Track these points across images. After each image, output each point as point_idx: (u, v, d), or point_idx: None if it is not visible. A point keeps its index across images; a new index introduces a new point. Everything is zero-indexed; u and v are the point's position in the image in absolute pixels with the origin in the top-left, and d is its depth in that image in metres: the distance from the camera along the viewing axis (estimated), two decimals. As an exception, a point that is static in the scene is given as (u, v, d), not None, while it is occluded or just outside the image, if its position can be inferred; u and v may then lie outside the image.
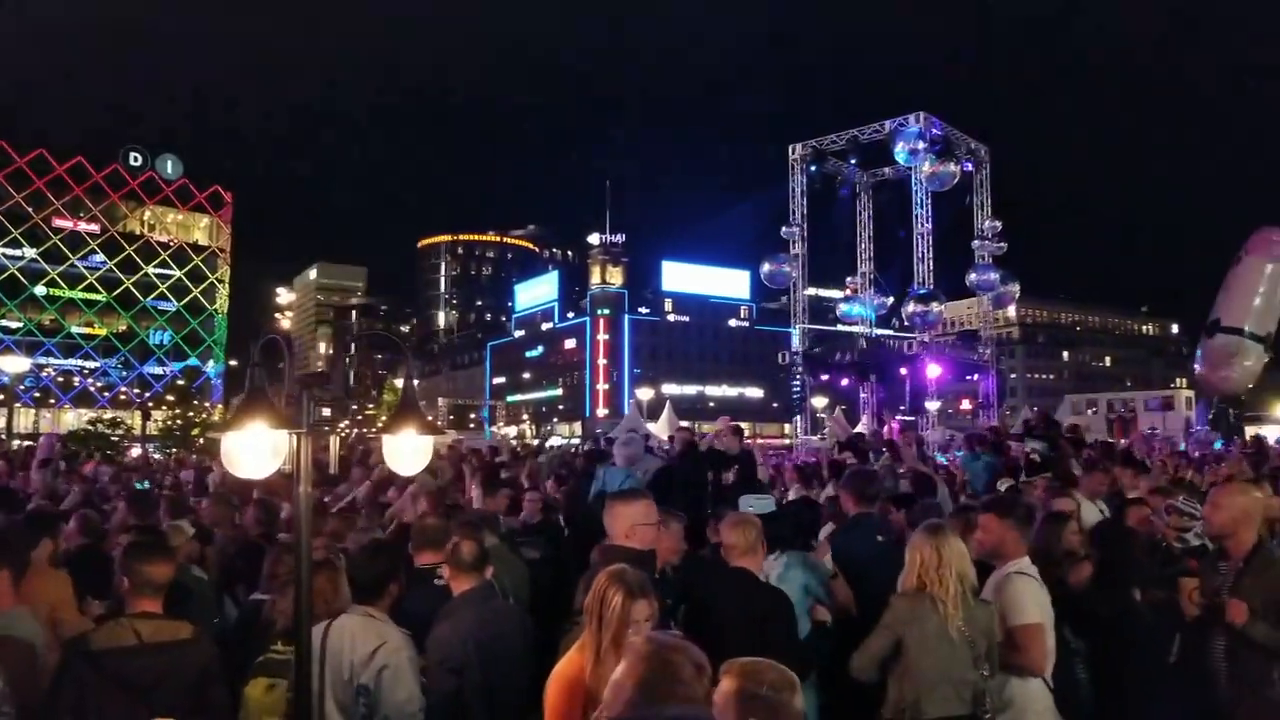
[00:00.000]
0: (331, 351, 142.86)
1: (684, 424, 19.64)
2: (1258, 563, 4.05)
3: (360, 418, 76.96)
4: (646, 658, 2.13)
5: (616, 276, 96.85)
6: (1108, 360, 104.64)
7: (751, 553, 4.19)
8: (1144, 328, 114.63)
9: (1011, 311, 77.26)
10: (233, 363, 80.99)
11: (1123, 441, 15.08)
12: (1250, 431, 20.95)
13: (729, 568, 4.24)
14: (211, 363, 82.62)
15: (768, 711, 2.14)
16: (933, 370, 30.18)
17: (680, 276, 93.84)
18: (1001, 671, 3.96)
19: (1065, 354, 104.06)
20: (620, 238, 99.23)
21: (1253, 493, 4.38)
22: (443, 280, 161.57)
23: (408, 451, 3.12)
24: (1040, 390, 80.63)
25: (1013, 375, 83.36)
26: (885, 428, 19.33)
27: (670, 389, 69.79)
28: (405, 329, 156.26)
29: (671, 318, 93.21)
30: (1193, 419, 19.90)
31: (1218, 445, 16.38)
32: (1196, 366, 13.80)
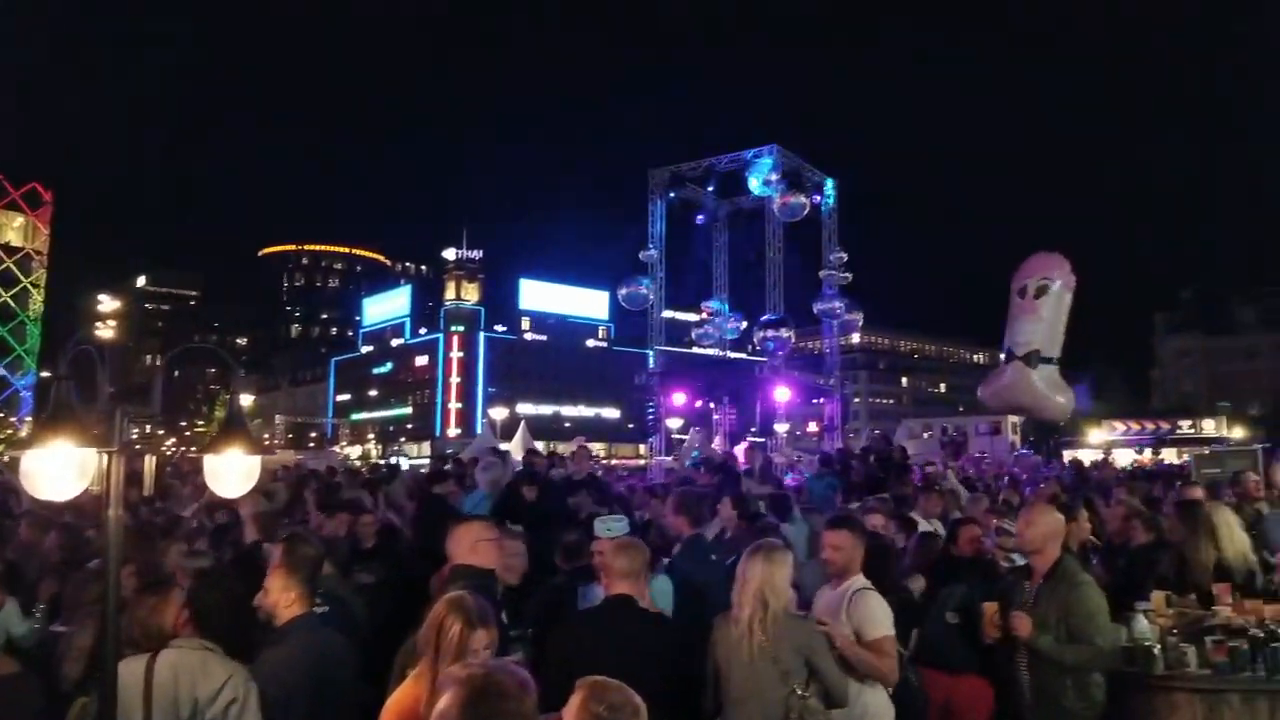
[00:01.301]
0: (159, 364, 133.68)
1: (537, 444, 19.32)
2: (1056, 578, 4.29)
3: (189, 434, 72.20)
4: (467, 681, 2.10)
5: (472, 293, 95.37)
6: (942, 386, 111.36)
7: (635, 578, 4.03)
8: (975, 356, 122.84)
9: (856, 338, 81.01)
10: (45, 374, 74.31)
11: (955, 464, 15.86)
12: (1068, 455, 22.60)
13: (611, 595, 4.05)
14: (21, 373, 75.56)
15: None
16: (782, 393, 31.03)
17: (538, 295, 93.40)
18: (858, 681, 4.09)
19: (904, 380, 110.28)
20: (477, 254, 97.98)
21: (1054, 512, 4.63)
22: (286, 291, 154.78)
23: (232, 472, 2.91)
24: (881, 413, 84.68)
25: (856, 399, 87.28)
26: (737, 449, 19.61)
27: (526, 408, 69.02)
28: (243, 341, 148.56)
29: (529, 336, 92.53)
30: (1018, 443, 21.24)
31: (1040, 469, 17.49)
32: (979, 390, 14.61)
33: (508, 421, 44.49)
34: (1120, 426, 51.49)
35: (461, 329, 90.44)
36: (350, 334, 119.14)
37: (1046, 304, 13.56)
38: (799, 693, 3.84)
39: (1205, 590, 5.26)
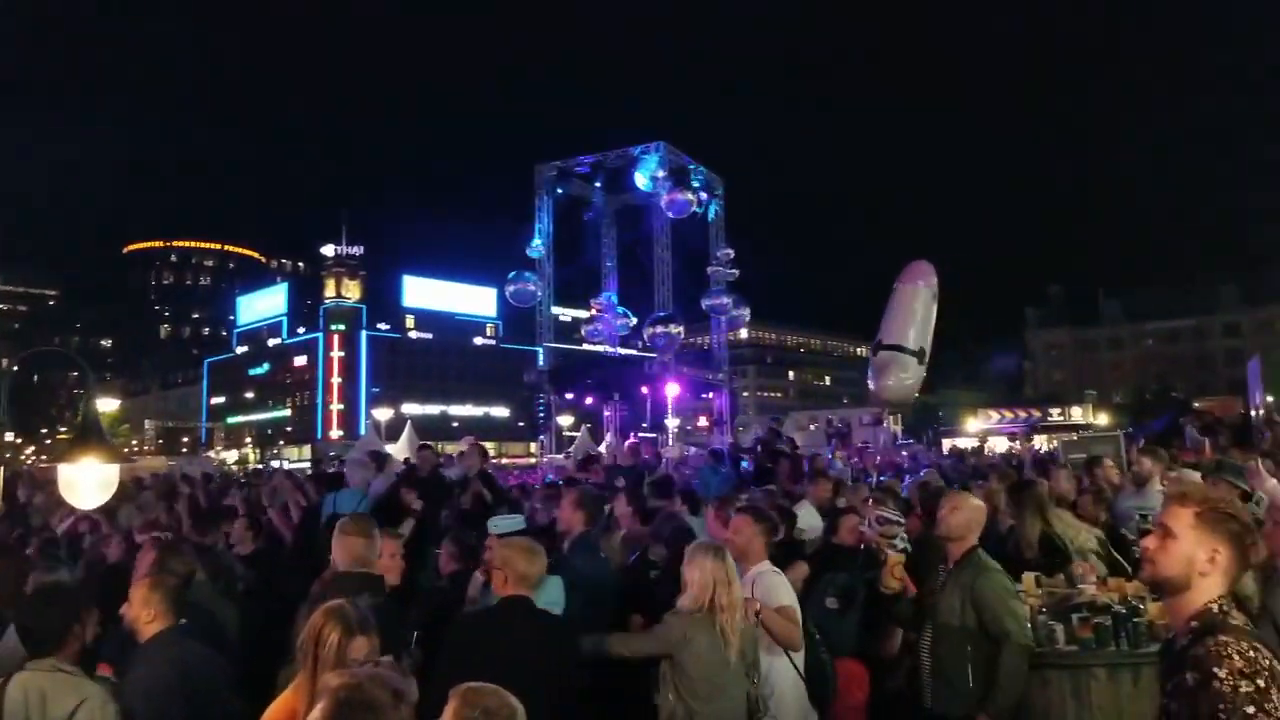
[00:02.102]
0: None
1: (425, 444, 18.85)
2: (965, 564, 4.41)
3: (50, 443, 67.65)
4: (334, 693, 2.07)
5: (353, 290, 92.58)
6: (828, 380, 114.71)
7: (532, 581, 3.97)
8: (858, 350, 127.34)
9: (744, 334, 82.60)
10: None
11: (842, 454, 16.38)
12: (947, 444, 23.67)
13: (507, 597, 3.94)
14: None
15: None
16: (672, 389, 31.34)
17: (423, 292, 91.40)
18: (770, 655, 4.27)
19: (791, 373, 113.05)
20: (358, 250, 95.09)
21: (975, 500, 4.74)
22: (154, 290, 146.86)
23: (88, 482, 2.77)
24: (769, 407, 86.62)
25: (745, 394, 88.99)
26: (626, 445, 19.63)
27: (411, 409, 67.47)
28: (108, 343, 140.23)
29: (413, 334, 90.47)
30: (899, 434, 22.08)
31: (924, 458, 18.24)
32: (870, 382, 15.61)
33: (393, 422, 43.40)
34: (995, 415, 54.30)
35: (342, 328, 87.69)
36: (224, 334, 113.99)
37: (930, 308, 14.73)
38: (755, 683, 4.00)
39: (1029, 564, 5.60)
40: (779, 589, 4.47)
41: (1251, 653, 2.01)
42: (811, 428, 23.27)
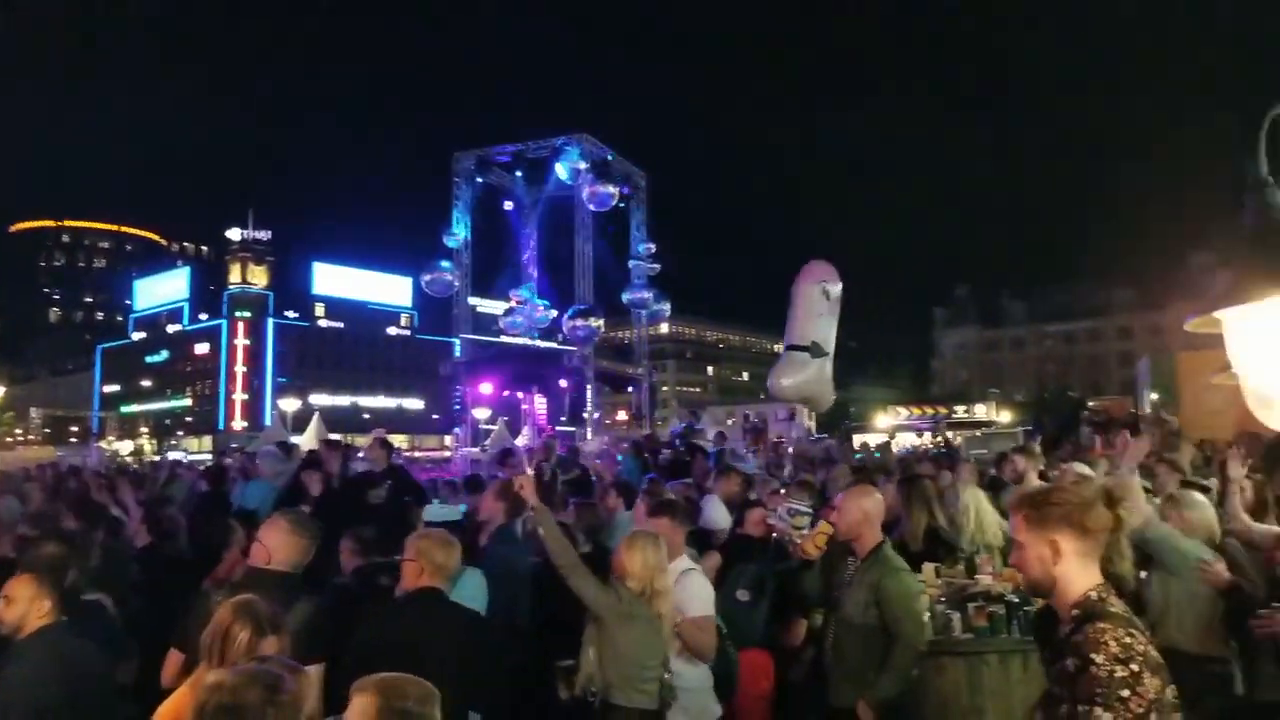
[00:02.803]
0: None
1: (334, 436, 18.39)
2: (872, 561, 4.46)
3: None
4: (205, 691, 2.03)
5: (260, 276, 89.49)
6: (746, 375, 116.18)
7: (447, 574, 3.93)
8: (775, 347, 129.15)
9: (664, 328, 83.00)
10: None
11: (760, 448, 16.59)
12: (859, 440, 24.24)
13: (420, 588, 3.87)
14: None
15: None
16: (591, 382, 31.32)
17: (334, 280, 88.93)
18: (681, 657, 4.31)
19: (710, 369, 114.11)
20: (266, 234, 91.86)
21: (874, 495, 4.78)
22: (43, 272, 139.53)
23: None
24: (688, 402, 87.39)
25: (664, 388, 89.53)
26: (540, 439, 19.54)
27: (321, 399, 65.65)
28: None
29: (323, 323, 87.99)
30: (813, 429, 22.47)
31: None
32: (769, 381, 15.80)
33: (300, 413, 42.16)
34: (904, 412, 55.87)
35: (248, 315, 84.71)
36: (120, 319, 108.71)
37: (833, 306, 14.87)
38: (670, 673, 4.09)
39: (915, 556, 5.72)
40: (699, 596, 4.50)
41: (1127, 639, 2.09)
42: (729, 422, 23.48)
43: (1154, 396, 15.83)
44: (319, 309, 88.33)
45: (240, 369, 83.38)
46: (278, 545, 3.94)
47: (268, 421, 47.22)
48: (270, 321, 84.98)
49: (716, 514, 6.82)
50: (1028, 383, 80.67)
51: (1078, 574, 2.28)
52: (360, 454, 10.04)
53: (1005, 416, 54.73)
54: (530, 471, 4.82)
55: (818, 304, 14.77)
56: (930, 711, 4.83)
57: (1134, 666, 2.04)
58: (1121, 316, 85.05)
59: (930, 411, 55.99)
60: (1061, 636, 2.27)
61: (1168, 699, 2.07)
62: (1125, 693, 2.01)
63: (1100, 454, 8.67)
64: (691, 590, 4.49)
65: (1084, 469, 6.68)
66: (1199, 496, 4.88)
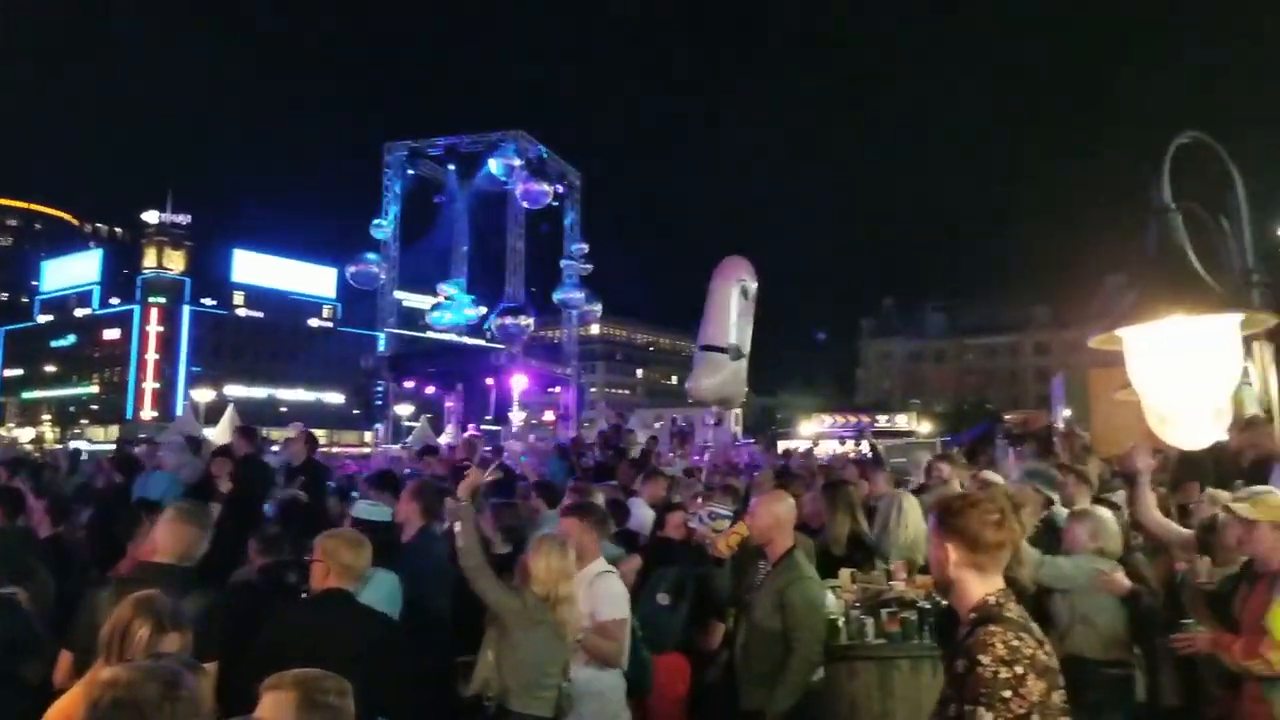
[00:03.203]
0: None
1: (246, 427, 17.83)
2: (782, 567, 4.50)
3: None
4: (95, 688, 1.98)
5: (177, 261, 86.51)
6: (674, 379, 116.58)
7: (356, 575, 3.83)
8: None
9: (594, 329, 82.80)
10: None
11: (683, 451, 16.68)
12: (782, 445, 24.59)
13: (327, 589, 3.78)
14: None
15: (334, 714, 2.21)
16: (518, 381, 31.02)
17: (255, 268, 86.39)
18: (589, 664, 4.30)
19: (640, 371, 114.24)
20: (184, 218, 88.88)
21: (787, 501, 4.83)
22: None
23: None
24: (616, 404, 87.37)
25: (593, 389, 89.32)
26: (464, 437, 19.29)
27: (236, 391, 63.72)
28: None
29: (242, 312, 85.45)
30: (739, 434, 22.70)
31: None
32: (689, 384, 15.52)
33: (214, 404, 40.86)
34: (828, 419, 56.95)
35: (162, 301, 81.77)
36: (25, 301, 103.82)
37: (750, 305, 14.60)
38: (569, 680, 4.08)
39: (838, 561, 5.92)
40: (611, 599, 4.48)
41: (1015, 641, 2.15)
42: (656, 425, 23.55)
43: (1067, 412, 16.37)
44: (238, 297, 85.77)
45: (152, 356, 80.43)
46: (163, 537, 3.81)
47: (179, 412, 45.58)
48: (186, 308, 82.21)
49: (642, 517, 6.86)
50: (948, 394, 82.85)
51: (974, 580, 2.35)
52: (275, 448, 9.78)
53: (926, 427, 56.18)
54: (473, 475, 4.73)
55: (735, 303, 14.63)
56: (842, 715, 4.91)
57: (1018, 669, 2.10)
58: (1039, 333, 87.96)
59: (853, 419, 57.20)
60: (958, 639, 2.33)
61: (1054, 702, 2.13)
62: (1008, 694, 2.07)
63: (1014, 465, 8.95)
64: (605, 593, 4.48)
65: (995, 477, 6.89)
66: (1105, 511, 5.05)
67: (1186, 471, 6.11)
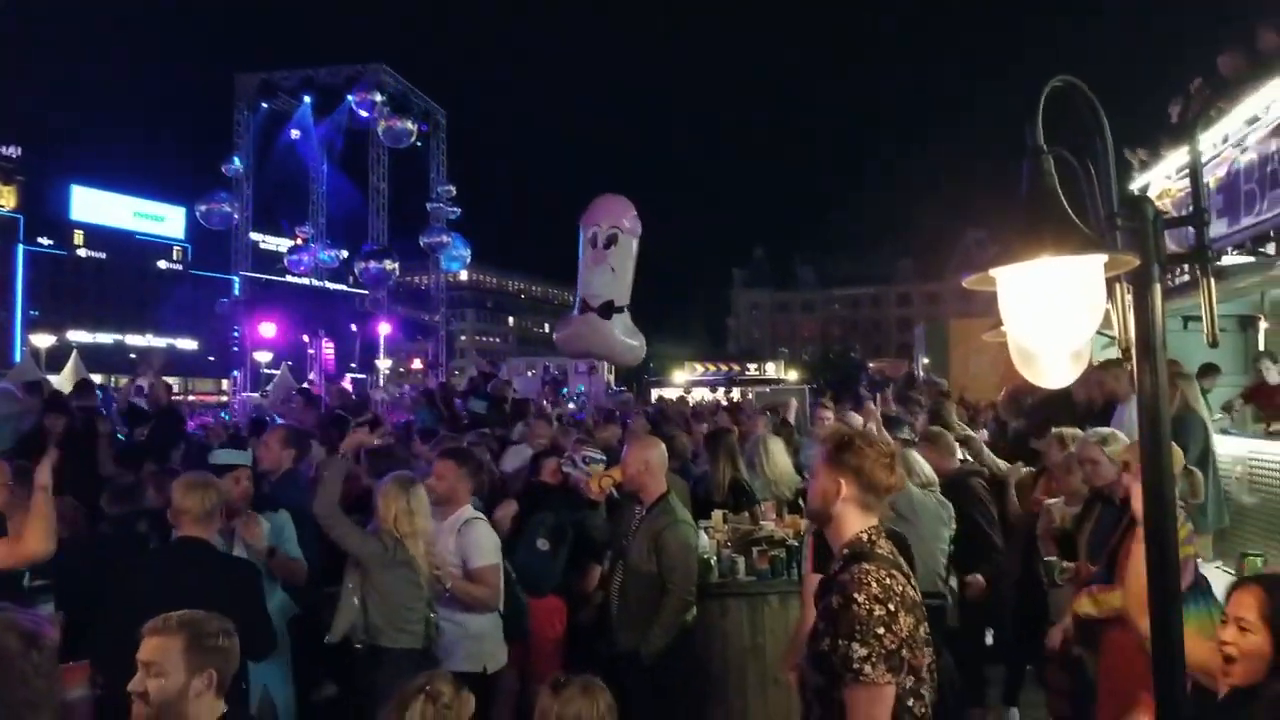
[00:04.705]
0: None
1: (95, 377, 16.73)
2: (655, 510, 4.58)
3: None
4: None
5: (8, 198, 79.01)
6: (546, 327, 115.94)
7: (208, 520, 3.73)
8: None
9: (464, 275, 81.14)
10: None
11: (555, 399, 16.65)
12: (655, 393, 24.90)
13: (179, 537, 3.74)
14: None
15: (222, 656, 2.31)
16: (384, 328, 30.15)
17: (96, 206, 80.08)
18: (464, 609, 4.41)
19: (511, 319, 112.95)
20: (15, 150, 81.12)
21: (659, 447, 4.89)
22: None
23: None
24: (487, 352, 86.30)
25: (462, 337, 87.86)
26: (334, 385, 18.68)
27: (80, 337, 59.42)
28: None
29: (83, 253, 79.36)
30: (613, 382, 22.80)
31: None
32: (556, 335, 14.47)
33: (56, 350, 37.97)
34: (700, 368, 58.05)
35: (-8, 240, 75.04)
36: None
37: (616, 254, 13.14)
38: (435, 613, 4.22)
39: (720, 506, 6.12)
40: (482, 545, 4.51)
41: (888, 580, 2.22)
42: (529, 374, 23.37)
43: (926, 360, 17.14)
44: (78, 237, 79.50)
45: (-19, 299, 73.89)
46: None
47: (17, 358, 42.20)
48: (20, 248, 75.56)
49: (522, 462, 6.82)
50: (815, 343, 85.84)
51: (854, 516, 2.41)
52: (141, 386, 9.31)
53: (793, 375, 58.14)
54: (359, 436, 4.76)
55: (586, 253, 13.11)
56: (714, 650, 5.05)
57: (891, 606, 2.17)
58: (902, 285, 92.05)
59: (724, 368, 58.55)
60: (830, 574, 2.39)
61: (920, 636, 2.23)
62: (881, 630, 2.14)
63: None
64: (479, 538, 4.53)
65: (856, 419, 7.21)
66: (945, 434, 5.82)
67: (1045, 412, 6.50)
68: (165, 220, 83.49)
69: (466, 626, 4.43)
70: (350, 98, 28.22)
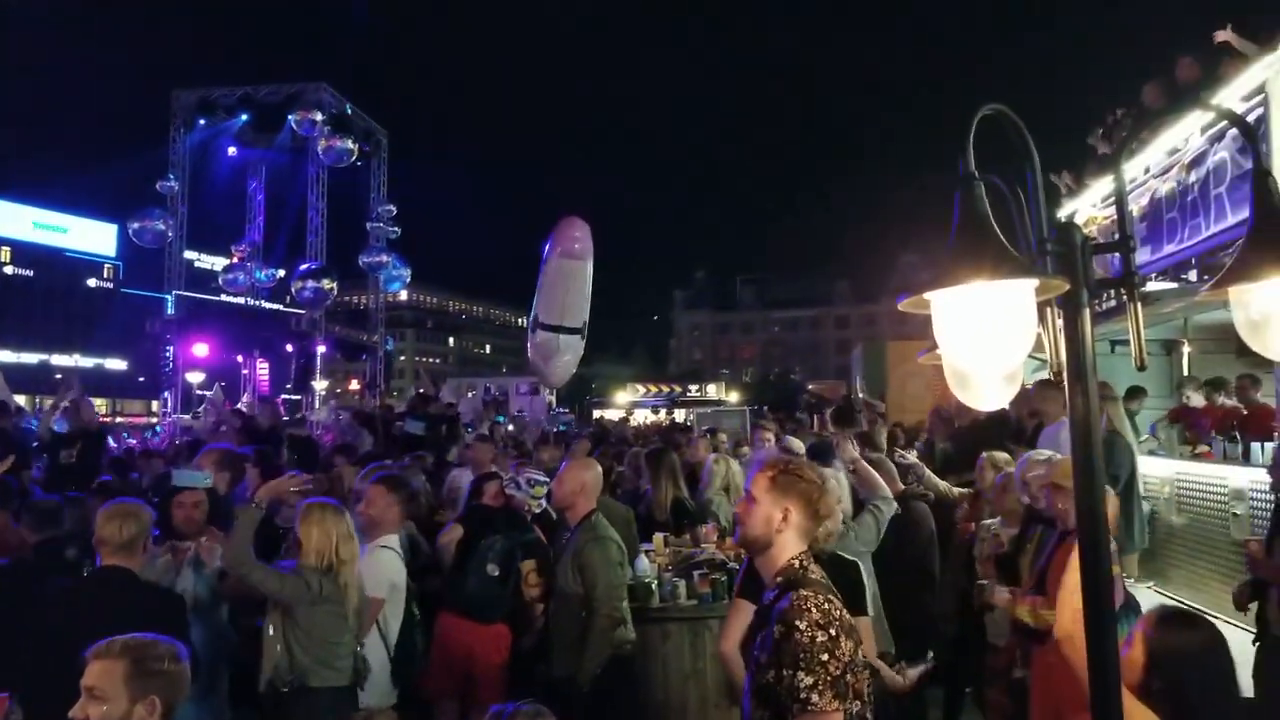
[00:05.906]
0: None
1: (18, 398, 16.10)
2: (580, 528, 4.56)
3: None
4: None
5: (-76, 211, 76.21)
6: (488, 347, 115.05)
7: (129, 549, 3.60)
8: (519, 320, 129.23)
9: (404, 295, 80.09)
10: None
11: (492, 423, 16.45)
12: (597, 414, 24.85)
13: (101, 567, 3.63)
14: None
15: (167, 682, 2.27)
16: (321, 348, 29.58)
17: (22, 221, 77.26)
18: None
19: (451, 340, 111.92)
20: (-67, 163, 78.34)
21: (595, 468, 4.87)
22: None
23: None
24: (428, 372, 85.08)
25: (402, 357, 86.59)
26: (266, 406, 18.23)
27: (3, 356, 57.36)
28: None
29: (9, 270, 76.57)
30: (554, 403, 22.65)
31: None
32: (545, 367, 14.73)
33: (-27, 371, 36.51)
34: (642, 389, 58.14)
35: (-91, 255, 72.03)
36: None
37: (580, 276, 13.38)
38: (362, 645, 4.15)
39: (662, 526, 6.14)
40: (380, 575, 4.39)
41: (826, 605, 2.22)
42: (470, 395, 23.12)
43: (862, 382, 17.35)
44: (3, 254, 76.81)
45: (-105, 317, 70.67)
46: None
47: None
48: (-63, 265, 72.79)
49: (465, 486, 6.73)
50: (755, 364, 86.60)
51: (792, 543, 2.40)
52: (62, 406, 9.00)
53: (734, 396, 58.55)
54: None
55: (580, 277, 13.29)
56: (655, 675, 5.00)
57: (832, 631, 2.16)
58: (840, 307, 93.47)
59: (665, 389, 58.74)
60: (765, 604, 2.37)
61: (859, 659, 2.22)
62: (825, 656, 2.12)
63: (814, 431, 9.47)
64: (379, 567, 4.41)
65: (796, 443, 7.24)
66: (885, 460, 5.89)
67: (975, 434, 6.62)
68: (96, 237, 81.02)
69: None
70: (290, 117, 27.76)
